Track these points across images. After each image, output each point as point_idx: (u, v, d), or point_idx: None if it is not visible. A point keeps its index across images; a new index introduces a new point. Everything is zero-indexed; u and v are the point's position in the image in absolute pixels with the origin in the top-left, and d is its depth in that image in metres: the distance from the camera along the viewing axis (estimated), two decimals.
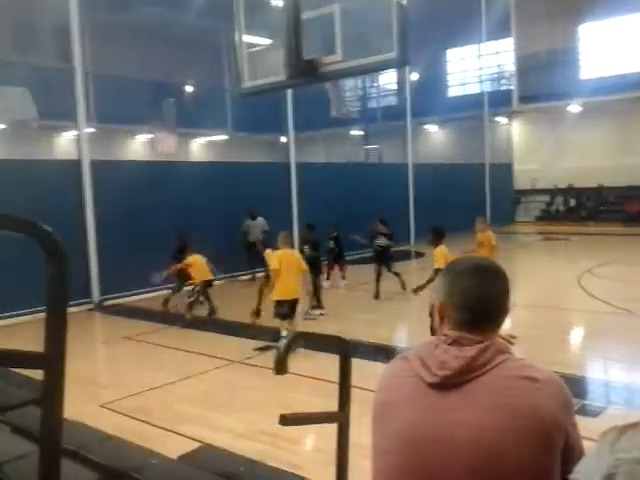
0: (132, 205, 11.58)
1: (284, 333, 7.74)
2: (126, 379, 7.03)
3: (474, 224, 9.66)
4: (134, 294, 11.74)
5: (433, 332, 6.31)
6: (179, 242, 10.53)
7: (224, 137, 25.16)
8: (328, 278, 12.54)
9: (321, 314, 9.96)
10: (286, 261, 7.83)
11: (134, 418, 5.66)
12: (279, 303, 7.94)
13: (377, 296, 11.29)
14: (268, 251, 9.26)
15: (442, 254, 7.65)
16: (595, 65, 24.40)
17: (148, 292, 11.79)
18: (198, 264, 10.05)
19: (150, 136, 21.36)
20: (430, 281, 7.83)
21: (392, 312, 10.63)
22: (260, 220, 13.40)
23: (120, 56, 20.81)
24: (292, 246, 8.05)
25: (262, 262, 11.53)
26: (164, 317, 10.37)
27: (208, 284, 10.24)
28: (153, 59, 21.67)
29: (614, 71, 23.21)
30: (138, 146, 24.06)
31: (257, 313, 9.14)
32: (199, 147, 27.18)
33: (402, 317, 10.46)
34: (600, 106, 23.00)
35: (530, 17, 24.04)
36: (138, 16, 20.00)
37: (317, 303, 10.18)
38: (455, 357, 1.46)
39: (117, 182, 11.40)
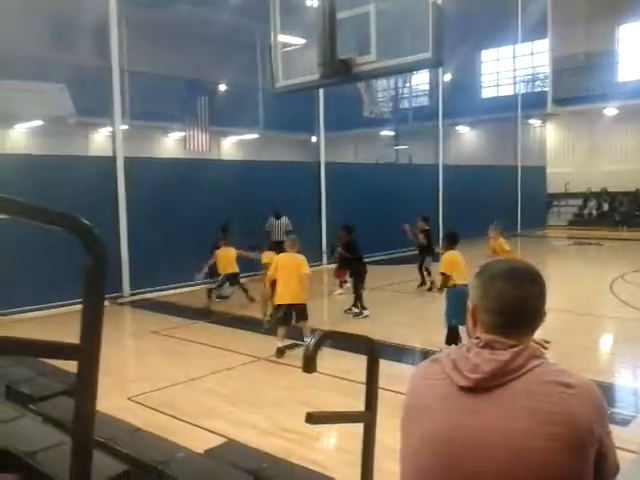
0: (163, 202, 11.76)
1: (278, 344, 7.62)
2: (154, 373, 7.13)
3: (488, 231, 9.63)
4: (164, 289, 11.89)
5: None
6: (217, 237, 10.78)
7: (255, 136, 25.30)
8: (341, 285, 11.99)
9: (365, 316, 9.88)
10: (284, 265, 7.66)
11: (161, 412, 5.73)
12: (277, 307, 7.87)
13: (422, 284, 12.19)
14: (266, 253, 9.35)
15: (448, 259, 7.59)
16: (633, 68, 23.91)
17: (177, 287, 11.95)
18: (221, 257, 10.45)
19: (183, 134, 21.61)
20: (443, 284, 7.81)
21: (422, 313, 10.57)
22: (284, 219, 13.15)
23: (155, 54, 21.09)
24: (298, 251, 7.89)
25: None
26: (192, 312, 10.49)
27: (231, 276, 10.56)
28: (188, 57, 21.89)
29: None
30: (171, 144, 24.33)
31: (270, 317, 8.85)
32: (231, 145, 27.39)
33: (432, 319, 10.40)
34: (637, 109, 22.53)
35: (567, 18, 23.65)
36: (174, 14, 20.24)
37: (359, 304, 10.10)
38: (488, 361, 1.44)
39: (149, 179, 11.57)
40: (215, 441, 4.29)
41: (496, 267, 1.59)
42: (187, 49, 22.39)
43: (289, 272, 7.61)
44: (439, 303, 10.35)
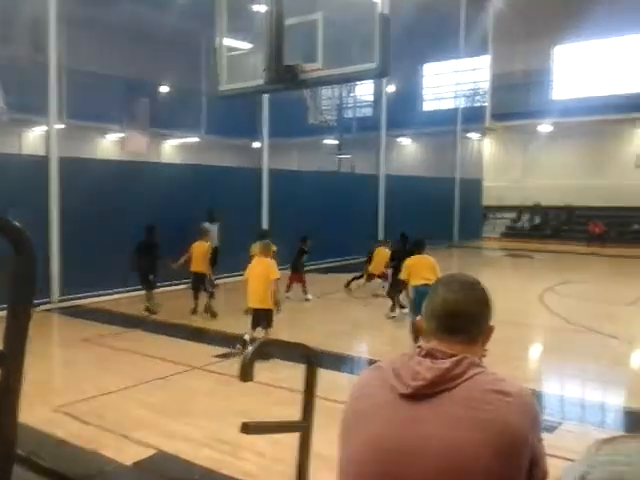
0: (99, 205, 11.33)
1: (246, 336, 7.78)
2: (82, 383, 6.83)
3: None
4: (98, 295, 11.47)
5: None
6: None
7: (197, 139, 24.98)
8: (288, 290, 11.87)
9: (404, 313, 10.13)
10: (253, 269, 7.90)
11: (89, 423, 5.49)
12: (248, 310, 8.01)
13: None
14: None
15: (406, 265, 8.22)
16: (567, 87, 25.02)
17: (113, 293, 11.58)
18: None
19: (121, 135, 21.11)
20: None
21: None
22: (215, 225, 12.47)
23: (96, 52, 20.58)
24: (267, 256, 8.02)
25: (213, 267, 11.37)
26: (126, 320, 10.18)
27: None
28: (131, 57, 21.46)
29: (584, 94, 23.87)
30: (109, 145, 23.73)
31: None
32: (171, 148, 26.95)
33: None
34: (570, 127, 23.56)
35: (507, 37, 24.53)
36: (119, 13, 19.76)
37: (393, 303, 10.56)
38: (429, 368, 1.46)
39: (85, 180, 11.15)
40: (145, 453, 4.16)
41: (442, 279, 1.69)
42: (131, 49, 21.96)
43: (257, 277, 7.77)
44: (380, 311, 10.58)
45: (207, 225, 11.26)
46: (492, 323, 1.62)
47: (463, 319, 1.55)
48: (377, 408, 1.49)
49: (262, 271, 7.78)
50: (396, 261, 10.34)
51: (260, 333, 7.77)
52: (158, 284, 10.80)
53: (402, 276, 8.16)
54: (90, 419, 5.59)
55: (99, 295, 11.44)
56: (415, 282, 7.82)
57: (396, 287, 10.09)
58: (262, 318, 7.83)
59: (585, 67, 24.48)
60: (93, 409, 5.92)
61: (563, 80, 25.37)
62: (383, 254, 11.94)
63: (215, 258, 11.47)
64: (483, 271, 16.89)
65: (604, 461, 0.86)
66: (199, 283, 10.28)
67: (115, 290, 11.55)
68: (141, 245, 10.36)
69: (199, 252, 10.19)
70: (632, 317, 10.94)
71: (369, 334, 10.07)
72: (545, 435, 1.48)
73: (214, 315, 10.15)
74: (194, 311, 10.21)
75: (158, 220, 10.78)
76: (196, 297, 10.25)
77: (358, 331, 10.15)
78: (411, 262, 8.20)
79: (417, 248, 8.55)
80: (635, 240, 22.34)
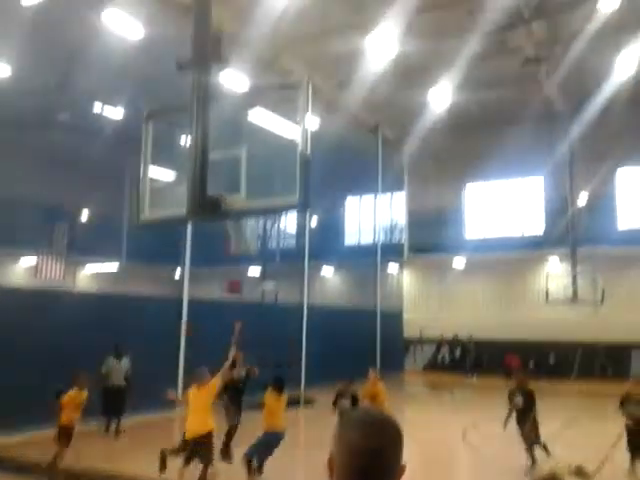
0: (3, 335, 10.53)
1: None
2: None
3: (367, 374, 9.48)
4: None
5: None
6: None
7: (116, 266, 24.41)
8: None
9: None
10: (191, 399, 7.51)
11: None
12: (184, 442, 7.41)
13: None
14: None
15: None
16: (478, 224, 26.66)
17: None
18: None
19: (35, 261, 20.34)
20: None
21: None
22: (125, 361, 11.53)
23: (17, 177, 20.23)
24: (204, 382, 7.54)
25: (121, 411, 10.76)
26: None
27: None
28: (52, 183, 21.24)
29: (494, 232, 25.50)
30: (21, 271, 22.73)
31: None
32: (89, 276, 26.11)
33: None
34: (482, 262, 24.76)
35: (421, 176, 26.31)
36: (44, 139, 19.82)
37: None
38: None
39: None
40: None
41: (351, 417, 1.54)
42: (54, 175, 21.79)
43: (196, 403, 7.38)
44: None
45: (111, 361, 10.76)
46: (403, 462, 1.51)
47: (378, 470, 1.44)
48: None
49: (203, 394, 7.39)
50: None
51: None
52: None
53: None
54: None
55: None
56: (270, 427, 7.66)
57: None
58: (204, 452, 7.25)
59: (493, 207, 26.33)
60: None
61: (474, 218, 27.06)
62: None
63: (123, 397, 10.82)
64: (406, 406, 16.67)
65: None
66: None
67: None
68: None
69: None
70: (556, 451, 10.85)
71: None
72: None
73: None
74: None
75: (70, 353, 10.05)
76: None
77: None
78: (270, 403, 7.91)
79: (277, 388, 8.04)
80: (553, 373, 22.88)
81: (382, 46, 15.47)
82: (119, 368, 11.39)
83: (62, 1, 13.10)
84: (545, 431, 9.59)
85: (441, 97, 19.18)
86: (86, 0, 13.20)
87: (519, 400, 9.16)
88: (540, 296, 22.54)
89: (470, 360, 25.01)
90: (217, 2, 5.62)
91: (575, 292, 20.71)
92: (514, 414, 9.26)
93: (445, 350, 26.36)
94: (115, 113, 19.17)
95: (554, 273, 22.59)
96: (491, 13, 11.71)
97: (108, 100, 18.47)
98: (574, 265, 20.63)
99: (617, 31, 15.82)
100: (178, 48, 5.51)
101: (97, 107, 18.71)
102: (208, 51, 5.20)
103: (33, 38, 13.76)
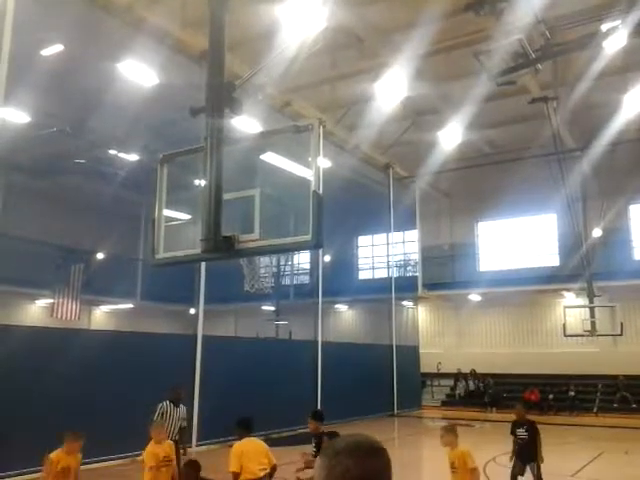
0: (20, 376, 10.60)
1: None
2: None
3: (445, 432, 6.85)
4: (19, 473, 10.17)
5: None
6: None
7: (130, 305, 24.53)
8: None
9: None
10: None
11: None
12: None
13: None
14: None
15: (235, 453, 6.49)
16: (492, 259, 26.56)
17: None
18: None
19: (51, 301, 20.53)
20: None
21: None
22: (182, 408, 9.60)
23: (36, 219, 20.60)
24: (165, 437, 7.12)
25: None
26: None
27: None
28: (69, 224, 21.58)
29: (509, 266, 25.35)
30: (37, 311, 22.92)
31: None
32: (104, 315, 26.26)
33: None
34: (498, 297, 24.57)
35: (433, 213, 26.37)
36: (61, 184, 20.23)
37: None
38: None
39: (7, 349, 10.54)
40: None
41: (341, 445, 1.50)
42: (70, 217, 22.16)
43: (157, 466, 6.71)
44: None
45: (166, 405, 9.21)
46: None
47: None
48: None
49: (163, 456, 6.78)
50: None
51: None
52: None
53: (232, 468, 6.36)
54: None
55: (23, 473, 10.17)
56: (249, 475, 6.35)
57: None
58: None
59: (507, 241, 26.25)
60: None
61: (488, 253, 26.98)
62: None
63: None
64: (425, 443, 16.39)
65: None
66: None
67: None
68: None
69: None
70: None
71: None
72: None
73: None
74: None
75: (88, 391, 10.06)
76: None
77: None
78: (241, 448, 6.52)
79: (246, 429, 6.75)
80: (573, 407, 22.48)
81: (391, 90, 15.81)
82: (176, 414, 9.39)
83: (79, 51, 13.55)
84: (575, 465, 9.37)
85: (451, 136, 19.35)
86: (102, 49, 13.64)
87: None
88: (558, 329, 22.24)
89: (489, 395, 24.62)
90: (231, 48, 5.81)
91: (593, 325, 20.44)
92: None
93: (462, 385, 26.00)
94: (130, 157, 19.56)
95: (571, 306, 22.33)
96: (497, 56, 11.93)
97: (123, 144, 18.85)
98: (591, 298, 20.38)
99: (624, 70, 16.05)
100: (191, 94, 5.68)
101: (112, 151, 19.09)
102: (222, 97, 5.36)
103: (51, 86, 14.18)
